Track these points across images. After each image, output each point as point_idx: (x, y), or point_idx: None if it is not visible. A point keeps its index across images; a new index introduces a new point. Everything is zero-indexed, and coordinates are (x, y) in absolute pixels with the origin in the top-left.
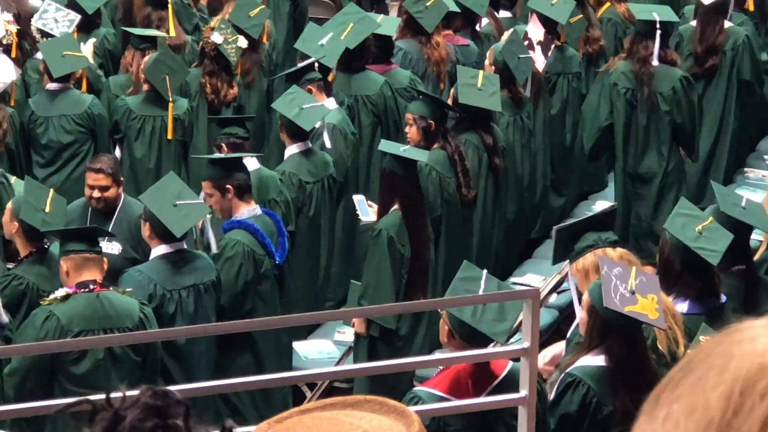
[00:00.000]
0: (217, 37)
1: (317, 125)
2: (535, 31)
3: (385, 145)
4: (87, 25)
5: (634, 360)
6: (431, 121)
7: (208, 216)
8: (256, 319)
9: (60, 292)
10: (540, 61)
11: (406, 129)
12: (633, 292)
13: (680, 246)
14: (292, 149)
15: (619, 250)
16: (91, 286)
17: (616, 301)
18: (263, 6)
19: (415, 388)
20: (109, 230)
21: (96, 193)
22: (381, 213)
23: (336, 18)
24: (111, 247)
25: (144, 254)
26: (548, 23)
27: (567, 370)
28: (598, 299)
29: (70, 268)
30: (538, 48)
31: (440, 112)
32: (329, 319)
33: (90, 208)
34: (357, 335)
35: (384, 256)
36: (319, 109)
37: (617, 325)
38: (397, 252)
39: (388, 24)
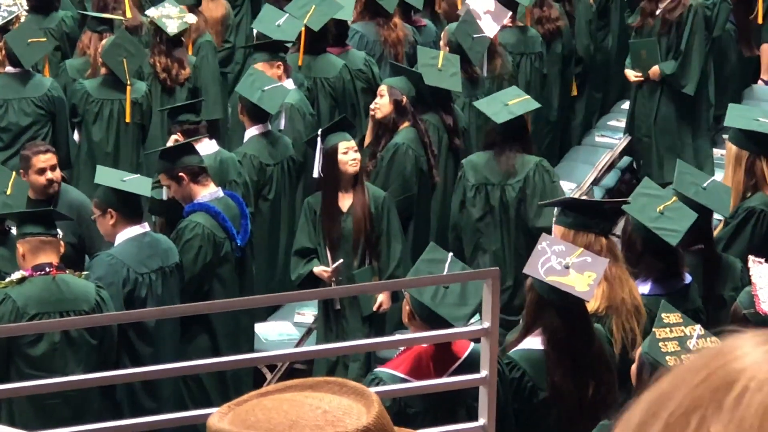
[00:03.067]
0: (152, 11)
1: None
2: (483, 1)
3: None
4: (44, 8)
5: (571, 334)
6: (404, 97)
7: None
8: (219, 301)
9: (16, 275)
10: (491, 29)
11: (376, 100)
12: (567, 267)
13: (641, 226)
14: (252, 131)
15: (606, 241)
16: (48, 269)
17: (539, 271)
18: None
19: (376, 369)
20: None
21: (49, 174)
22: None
23: (296, 0)
24: None
25: (83, 241)
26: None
27: (507, 353)
28: None
29: (26, 251)
30: (486, 17)
31: (416, 90)
32: (292, 300)
33: (27, 198)
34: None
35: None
36: (281, 90)
37: (550, 299)
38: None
39: (346, 9)
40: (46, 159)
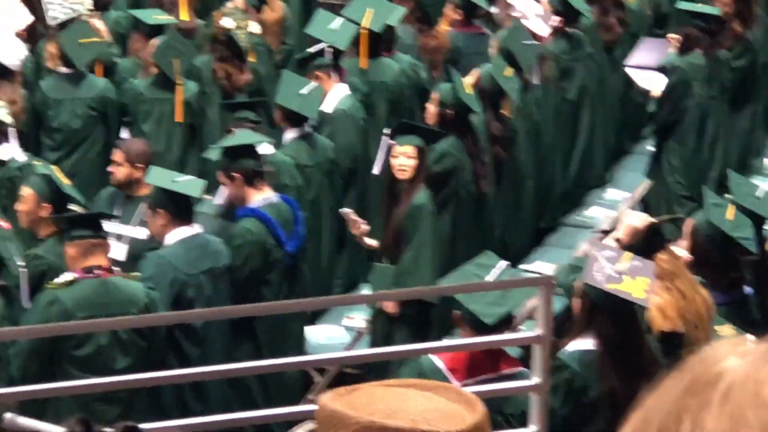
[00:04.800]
0: (228, 23)
1: (325, 110)
2: (530, 3)
3: None
4: (99, 5)
5: (624, 341)
6: (448, 111)
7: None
8: (266, 303)
9: (65, 277)
10: (542, 30)
11: (428, 104)
12: (620, 273)
13: (718, 235)
14: (290, 134)
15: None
16: (97, 272)
17: (597, 278)
18: None
19: (422, 356)
20: (134, 216)
21: (111, 167)
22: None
23: (353, 4)
24: (139, 232)
25: None
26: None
27: (556, 355)
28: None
29: (76, 253)
30: (536, 19)
31: (462, 104)
32: (338, 304)
33: (121, 194)
34: (387, 314)
35: (429, 234)
36: (317, 91)
37: (605, 305)
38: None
39: (395, 14)
40: (114, 152)
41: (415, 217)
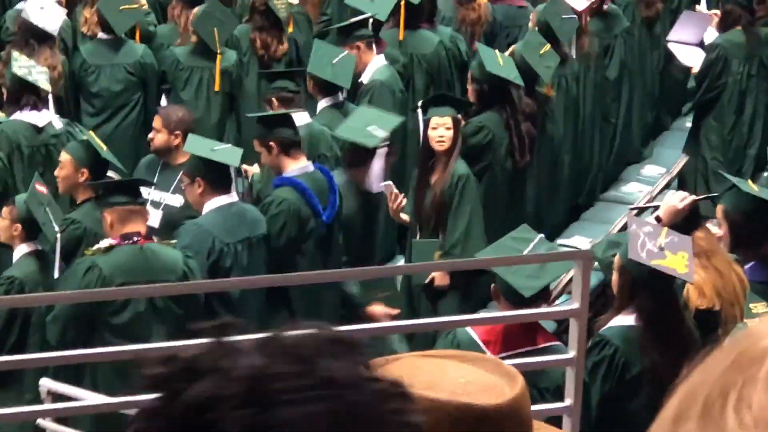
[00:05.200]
0: None
1: (363, 80)
2: None
3: None
4: None
5: (665, 317)
6: (484, 86)
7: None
8: (302, 273)
9: (103, 243)
10: (580, 3)
11: (468, 85)
12: (662, 248)
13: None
14: (323, 103)
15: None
16: (135, 239)
17: (642, 255)
18: None
19: (459, 329)
20: (174, 184)
21: (151, 134)
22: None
23: None
24: (174, 200)
25: None
26: None
27: (598, 332)
28: (626, 255)
29: (114, 220)
30: None
31: (495, 77)
32: (373, 276)
33: (160, 161)
34: (437, 288)
35: (475, 203)
36: (349, 60)
37: (646, 282)
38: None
39: None
40: (155, 118)
41: (460, 187)
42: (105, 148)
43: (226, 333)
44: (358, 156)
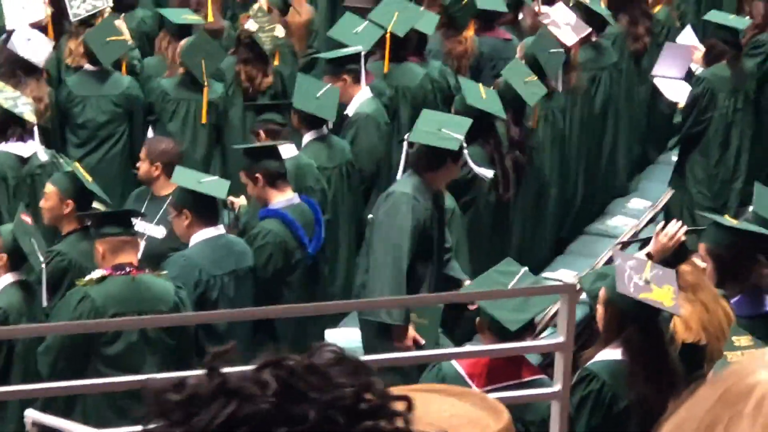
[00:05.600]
0: (252, 25)
1: (348, 113)
2: (564, 13)
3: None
4: (123, 4)
5: (652, 351)
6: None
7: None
8: (288, 306)
9: (95, 274)
10: (569, 39)
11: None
12: (648, 282)
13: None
14: (308, 137)
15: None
16: (128, 269)
17: (630, 288)
18: None
19: (444, 362)
20: (158, 216)
21: (138, 164)
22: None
23: (380, 8)
24: (157, 231)
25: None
26: (593, 19)
27: (584, 365)
28: (613, 289)
29: (105, 250)
30: (566, 28)
31: (477, 110)
32: (359, 308)
33: (149, 193)
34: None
35: (461, 237)
36: (332, 92)
37: (633, 315)
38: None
39: (428, 21)
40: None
41: (446, 220)
42: (90, 179)
43: (222, 362)
44: (435, 160)
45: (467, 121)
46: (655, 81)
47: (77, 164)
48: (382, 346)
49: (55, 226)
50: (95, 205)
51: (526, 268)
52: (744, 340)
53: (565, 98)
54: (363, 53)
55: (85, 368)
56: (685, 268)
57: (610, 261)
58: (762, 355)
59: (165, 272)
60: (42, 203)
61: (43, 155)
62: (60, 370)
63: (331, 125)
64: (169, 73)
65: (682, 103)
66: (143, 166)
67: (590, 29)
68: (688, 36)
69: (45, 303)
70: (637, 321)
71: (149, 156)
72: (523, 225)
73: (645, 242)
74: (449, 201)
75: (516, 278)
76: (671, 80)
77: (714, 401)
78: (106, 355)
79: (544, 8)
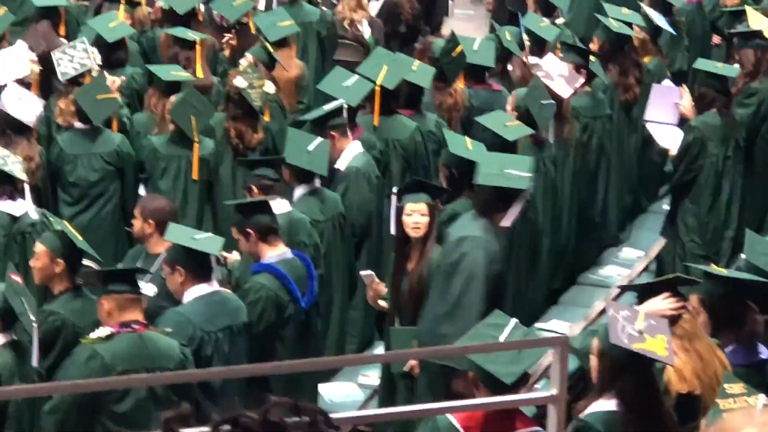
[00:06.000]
0: (240, 82)
1: (338, 167)
2: (556, 65)
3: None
4: (113, 61)
5: (646, 401)
6: (453, 170)
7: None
8: (283, 362)
9: (103, 331)
10: (564, 91)
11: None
12: (641, 332)
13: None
14: (299, 191)
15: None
16: (135, 326)
17: (623, 339)
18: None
19: (438, 416)
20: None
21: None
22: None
23: (368, 61)
24: (148, 289)
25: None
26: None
27: (579, 416)
28: (606, 340)
29: (112, 308)
30: (560, 80)
31: (464, 161)
32: (353, 363)
33: (143, 252)
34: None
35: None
36: (323, 146)
37: (627, 366)
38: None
39: (424, 74)
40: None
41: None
42: (79, 237)
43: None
44: (504, 200)
45: (527, 159)
46: (648, 126)
47: (66, 223)
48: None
49: (46, 285)
50: (86, 262)
51: (516, 320)
52: (737, 387)
53: (557, 148)
54: (354, 105)
55: (92, 427)
56: (685, 316)
57: (602, 312)
58: (750, 413)
59: (169, 330)
60: (32, 263)
61: (34, 214)
62: (67, 430)
63: (320, 179)
64: (158, 129)
65: (673, 151)
66: (137, 224)
67: (583, 80)
68: (665, 90)
69: (35, 363)
70: (630, 372)
71: (143, 213)
72: (516, 276)
73: (641, 288)
74: (440, 255)
75: (507, 330)
76: (664, 126)
77: None
78: (114, 412)
79: (533, 59)
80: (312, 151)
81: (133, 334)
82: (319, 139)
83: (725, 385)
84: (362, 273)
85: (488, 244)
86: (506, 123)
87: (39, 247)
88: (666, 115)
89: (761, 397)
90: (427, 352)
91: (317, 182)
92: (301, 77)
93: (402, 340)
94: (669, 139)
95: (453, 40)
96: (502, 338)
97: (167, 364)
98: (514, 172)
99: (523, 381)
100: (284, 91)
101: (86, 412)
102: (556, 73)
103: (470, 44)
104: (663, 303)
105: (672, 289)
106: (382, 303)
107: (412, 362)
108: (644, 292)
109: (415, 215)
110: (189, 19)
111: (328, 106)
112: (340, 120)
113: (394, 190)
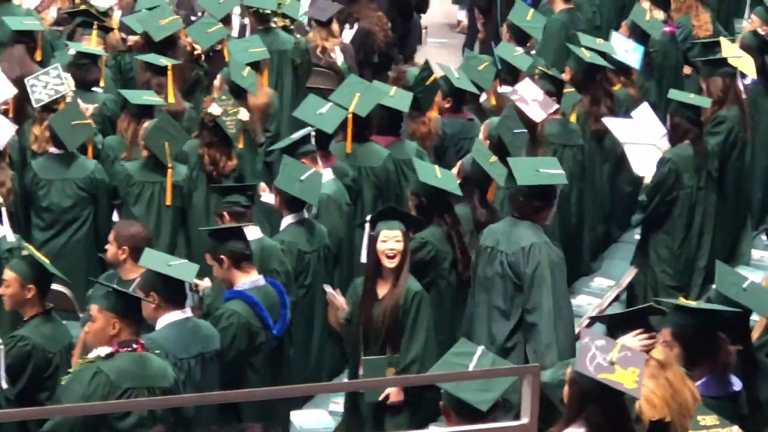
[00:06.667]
0: (215, 109)
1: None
2: (531, 89)
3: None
4: (85, 84)
5: (614, 430)
6: (423, 199)
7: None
8: (254, 390)
9: (103, 350)
10: (538, 116)
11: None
12: (612, 363)
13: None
14: (288, 219)
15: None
16: (134, 345)
17: (590, 368)
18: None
19: None
20: None
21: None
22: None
23: (341, 89)
24: None
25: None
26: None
27: None
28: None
29: (117, 327)
30: (534, 104)
31: (433, 189)
32: (323, 391)
33: (116, 277)
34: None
35: (430, 320)
36: (316, 177)
37: (594, 394)
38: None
39: (402, 99)
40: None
41: (416, 303)
42: (47, 261)
43: None
44: (543, 200)
45: (554, 159)
46: (625, 148)
47: (32, 248)
48: None
49: (17, 311)
50: (56, 286)
51: (483, 347)
52: (710, 419)
53: None
54: (330, 132)
55: None
56: (657, 347)
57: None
58: None
59: (158, 351)
60: (2, 290)
61: (11, 237)
62: None
63: (314, 210)
64: (127, 153)
65: (648, 178)
66: (111, 249)
67: (558, 106)
68: (644, 112)
69: (5, 386)
70: (598, 400)
71: (117, 239)
72: (488, 310)
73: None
74: (416, 284)
75: (475, 358)
76: (642, 147)
77: None
78: (118, 429)
79: (505, 88)
80: (304, 181)
81: (134, 353)
82: (312, 170)
83: (698, 417)
84: (325, 287)
85: (549, 247)
86: (491, 160)
87: (8, 274)
88: (646, 135)
89: (735, 429)
90: (399, 380)
91: (306, 212)
92: (269, 105)
93: (375, 368)
94: (645, 164)
95: (427, 68)
96: (471, 366)
97: (164, 384)
98: (549, 170)
99: (495, 408)
100: (252, 117)
101: (90, 430)
102: (531, 98)
103: (451, 72)
104: (634, 340)
105: (643, 321)
106: (341, 319)
107: (394, 392)
108: (615, 323)
109: (390, 242)
110: (165, 45)
111: (297, 134)
112: (309, 147)
113: (368, 218)
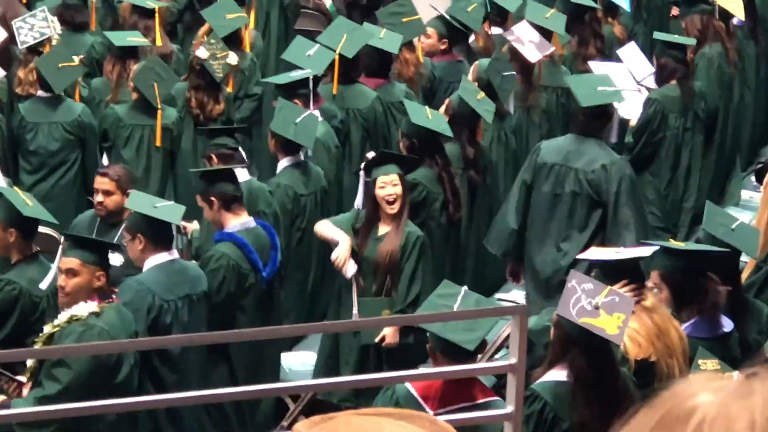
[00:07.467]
0: (202, 53)
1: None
2: (527, 31)
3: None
4: (74, 25)
5: (597, 374)
6: (414, 140)
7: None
8: (244, 330)
9: (88, 308)
10: (533, 56)
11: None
12: (597, 307)
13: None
14: (284, 162)
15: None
16: (114, 297)
17: (572, 311)
18: (242, 14)
19: (398, 384)
20: (115, 241)
21: (99, 197)
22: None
23: (328, 30)
24: (115, 259)
25: None
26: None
27: (530, 385)
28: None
29: (98, 276)
30: (530, 45)
31: (424, 130)
32: (315, 331)
33: (98, 219)
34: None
35: (429, 263)
36: (312, 119)
37: (577, 338)
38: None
39: (391, 40)
40: (99, 182)
41: (418, 246)
42: (30, 203)
43: None
44: (602, 116)
45: (608, 76)
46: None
47: (16, 189)
48: None
49: (5, 256)
50: (43, 229)
51: (465, 288)
52: (711, 363)
53: (521, 116)
54: (319, 74)
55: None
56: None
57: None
58: (703, 378)
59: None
60: None
61: (1, 181)
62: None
63: (310, 152)
64: (112, 96)
65: (633, 121)
66: (116, 198)
67: (553, 47)
68: (631, 50)
69: None
70: (580, 344)
71: (121, 188)
72: (476, 246)
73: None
74: (414, 227)
75: (459, 299)
76: (627, 93)
77: (653, 424)
78: (117, 383)
79: (495, 30)
80: (299, 123)
81: (115, 305)
82: (308, 112)
83: (699, 362)
84: (333, 259)
85: (626, 162)
86: (478, 97)
87: None
88: (632, 79)
89: (735, 374)
90: (389, 321)
91: (302, 155)
92: (252, 45)
93: (371, 309)
94: (630, 106)
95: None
96: (455, 307)
97: (132, 331)
98: (607, 88)
99: (480, 349)
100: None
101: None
102: (527, 39)
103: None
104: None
105: (633, 267)
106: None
107: (390, 333)
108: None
109: (388, 187)
110: None
111: (296, 74)
112: (305, 90)
113: (362, 166)
